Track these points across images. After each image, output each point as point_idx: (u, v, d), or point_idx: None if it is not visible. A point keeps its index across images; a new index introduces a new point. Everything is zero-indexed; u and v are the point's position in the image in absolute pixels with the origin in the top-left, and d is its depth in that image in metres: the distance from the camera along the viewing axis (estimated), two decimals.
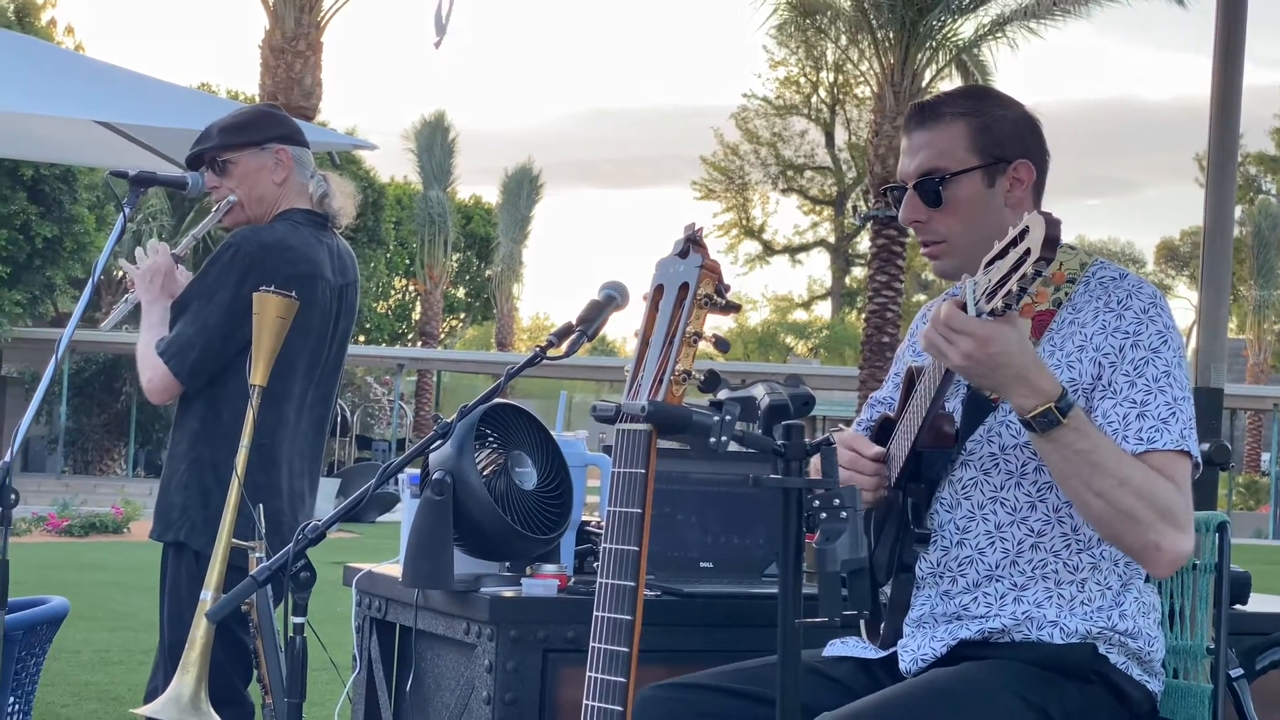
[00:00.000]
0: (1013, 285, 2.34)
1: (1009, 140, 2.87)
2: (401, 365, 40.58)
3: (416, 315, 50.99)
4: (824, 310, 60.83)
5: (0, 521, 3.73)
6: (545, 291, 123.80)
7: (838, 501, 2.16)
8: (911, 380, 2.78)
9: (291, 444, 4.27)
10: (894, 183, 2.93)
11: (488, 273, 52.83)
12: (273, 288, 3.85)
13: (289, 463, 4.26)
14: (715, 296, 2.17)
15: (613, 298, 3.08)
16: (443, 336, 50.36)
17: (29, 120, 7.70)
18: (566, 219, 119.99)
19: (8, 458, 3.79)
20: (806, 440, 2.18)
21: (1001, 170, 2.86)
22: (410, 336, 51.19)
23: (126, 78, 7.94)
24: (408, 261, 49.46)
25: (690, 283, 2.18)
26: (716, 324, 2.24)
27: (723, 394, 2.18)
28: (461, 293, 54.55)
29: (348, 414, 42.65)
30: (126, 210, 4.14)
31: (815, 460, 2.21)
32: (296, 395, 4.28)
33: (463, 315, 55.27)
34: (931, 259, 2.91)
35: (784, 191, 57.63)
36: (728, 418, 2.11)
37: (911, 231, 2.92)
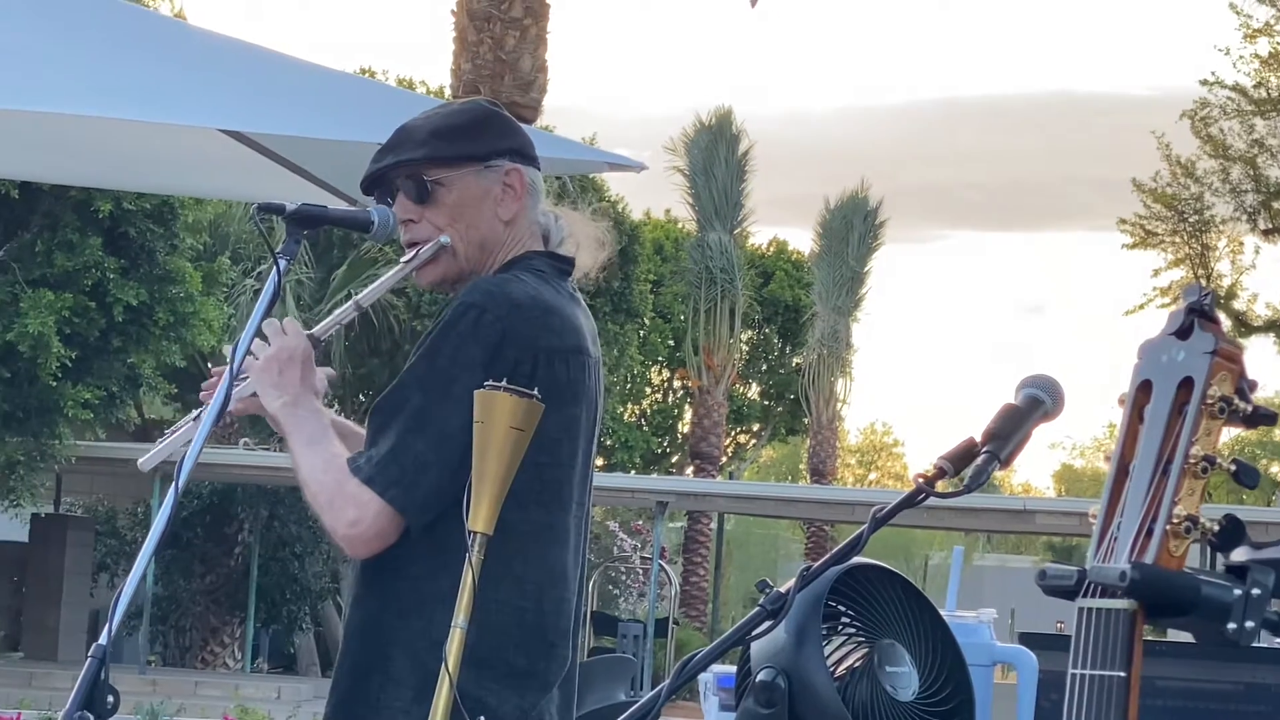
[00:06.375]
0: None
1: None
2: (663, 503, 40.82)
3: (686, 426, 51.31)
4: None
5: None
6: (885, 390, 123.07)
7: None
8: None
9: (559, 605, 4.32)
10: None
11: (796, 360, 52.94)
12: (504, 382, 3.88)
13: (558, 636, 4.30)
14: (1237, 401, 2.15)
15: (1039, 402, 3.09)
16: (725, 460, 50.57)
17: (109, 129, 7.44)
18: (914, 276, 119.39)
19: (104, 639, 3.91)
20: None
21: None
22: (676, 459, 51.51)
23: (258, 61, 7.88)
24: (672, 343, 49.83)
25: (1197, 378, 2.17)
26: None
27: (1243, 554, 2.16)
28: (755, 391, 54.79)
29: None
30: (281, 264, 4.24)
31: None
32: (568, 528, 4.34)
33: (757, 426, 55.49)
34: None
35: (1267, 234, 56.89)
36: (1256, 592, 2.09)
37: None
